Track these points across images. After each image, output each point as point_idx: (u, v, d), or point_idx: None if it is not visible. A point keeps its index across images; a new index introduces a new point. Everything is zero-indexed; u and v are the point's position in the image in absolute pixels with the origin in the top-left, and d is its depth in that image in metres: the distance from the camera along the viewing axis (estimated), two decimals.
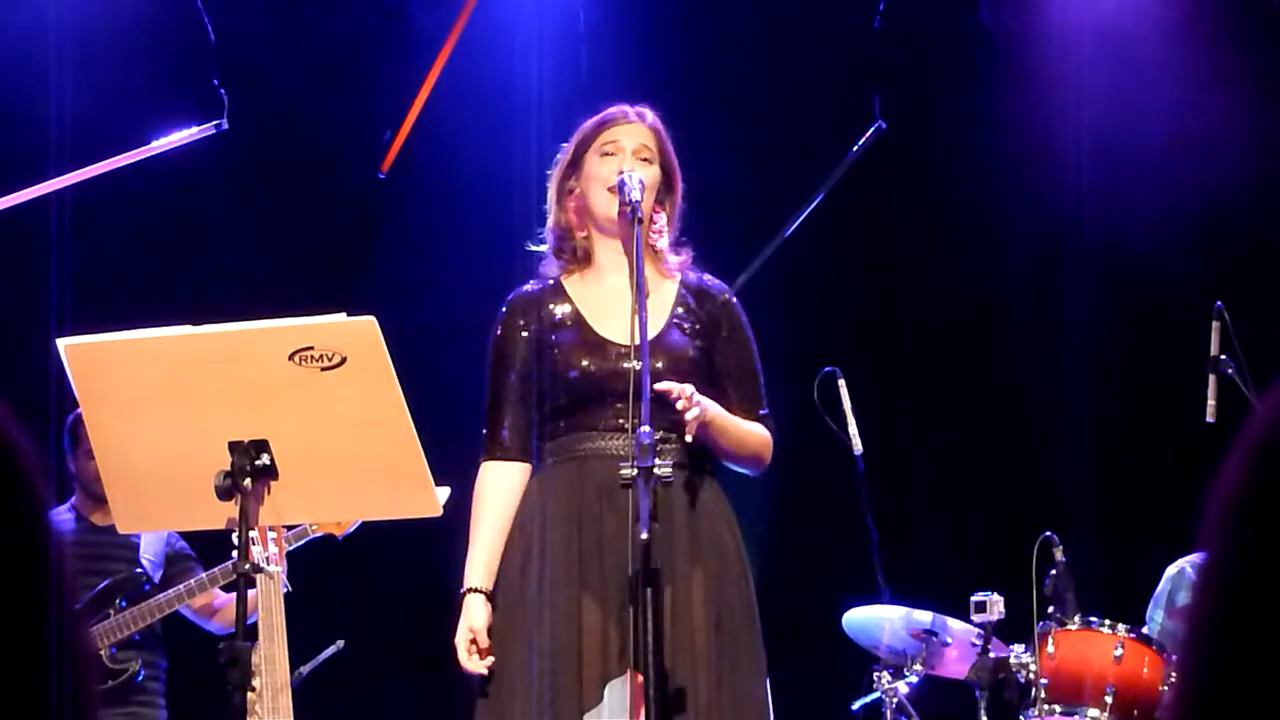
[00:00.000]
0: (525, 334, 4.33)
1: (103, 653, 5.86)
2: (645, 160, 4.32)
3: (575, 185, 4.37)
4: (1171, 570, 6.58)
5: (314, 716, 5.55)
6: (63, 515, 6.06)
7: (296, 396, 3.50)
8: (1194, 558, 6.53)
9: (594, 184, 4.31)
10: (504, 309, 4.39)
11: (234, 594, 5.80)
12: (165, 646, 6.12)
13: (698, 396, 4.07)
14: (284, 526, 5.27)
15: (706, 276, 4.44)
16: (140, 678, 5.96)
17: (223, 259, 7.23)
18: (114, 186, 5.86)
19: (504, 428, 4.31)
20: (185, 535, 6.14)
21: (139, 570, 6.01)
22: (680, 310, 4.34)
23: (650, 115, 4.41)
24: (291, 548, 5.54)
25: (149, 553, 6.06)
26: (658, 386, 4.03)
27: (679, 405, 4.03)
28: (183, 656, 6.14)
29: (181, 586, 5.85)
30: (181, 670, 6.18)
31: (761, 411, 4.35)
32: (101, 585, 5.90)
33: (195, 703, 5.97)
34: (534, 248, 4.47)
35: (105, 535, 5.93)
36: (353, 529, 5.54)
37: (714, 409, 4.15)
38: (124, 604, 5.90)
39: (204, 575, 5.86)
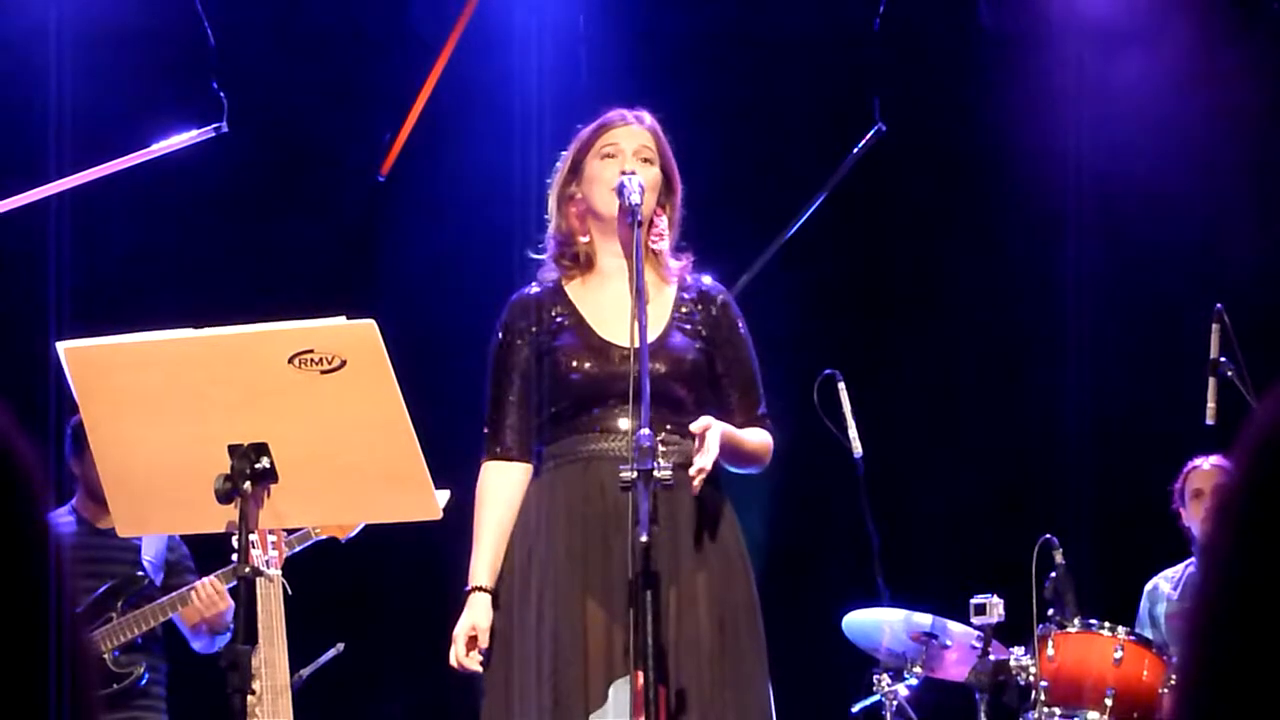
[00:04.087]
0: (526, 336, 4.34)
1: (105, 656, 5.84)
2: (646, 161, 4.33)
3: (576, 190, 4.37)
4: (1147, 587, 6.61)
5: (314, 719, 5.55)
6: (63, 518, 6.04)
7: (296, 400, 3.50)
8: (1167, 572, 6.56)
9: (596, 185, 4.32)
10: (505, 311, 4.39)
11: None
12: (166, 649, 6.11)
13: (707, 453, 4.04)
14: (286, 530, 5.28)
15: (704, 278, 4.44)
16: (144, 681, 5.95)
17: (222, 262, 7.22)
18: (114, 189, 5.86)
19: (505, 428, 4.31)
20: (187, 539, 6.12)
21: (140, 573, 5.99)
22: (681, 313, 4.35)
23: (649, 117, 4.42)
24: (295, 550, 5.53)
25: (150, 555, 6.05)
26: (696, 482, 4.03)
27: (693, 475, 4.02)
28: (182, 659, 6.13)
29: (187, 589, 5.82)
30: (181, 673, 6.17)
31: (760, 411, 4.36)
32: (102, 589, 5.89)
33: (196, 705, 5.97)
34: (535, 255, 4.47)
35: (106, 538, 5.91)
36: (355, 532, 5.53)
37: (717, 448, 4.08)
38: (125, 607, 5.89)
39: (201, 583, 5.82)
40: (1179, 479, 6.51)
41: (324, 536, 5.56)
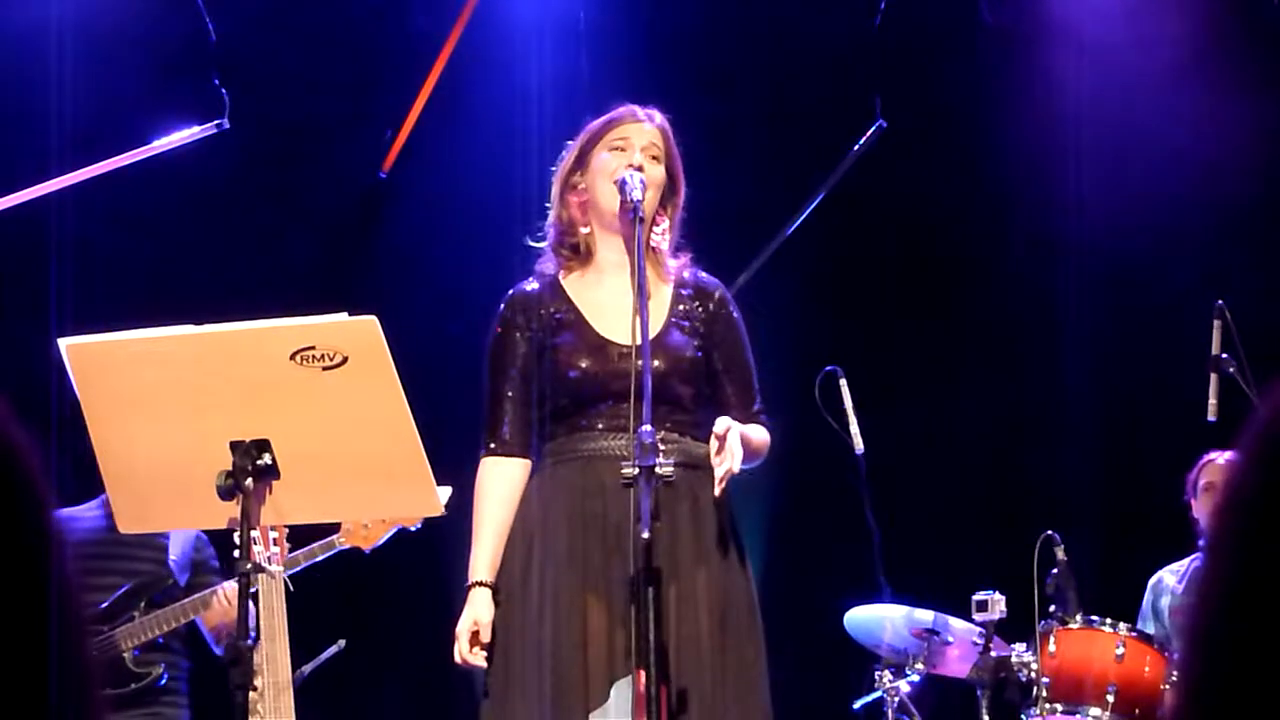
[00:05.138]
0: (525, 333, 4.33)
1: (125, 655, 5.81)
2: (653, 159, 4.33)
3: (580, 180, 4.38)
4: (1151, 580, 6.60)
5: (315, 716, 5.55)
6: (92, 511, 6.00)
7: (298, 396, 3.50)
8: (1172, 566, 6.55)
9: (600, 176, 4.32)
10: (503, 307, 4.39)
11: None
12: (188, 647, 6.08)
13: (733, 456, 4.04)
14: (302, 531, 5.27)
15: (701, 273, 4.45)
16: (163, 681, 5.91)
17: (224, 258, 7.22)
18: (115, 186, 5.86)
19: (504, 424, 4.31)
20: (212, 538, 6.07)
21: (164, 571, 5.96)
22: (679, 310, 4.35)
23: (659, 116, 4.43)
24: (317, 559, 5.52)
25: (175, 554, 6.01)
26: (719, 487, 4.04)
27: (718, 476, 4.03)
28: (200, 656, 6.11)
29: (210, 592, 5.78)
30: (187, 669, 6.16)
31: (756, 406, 4.36)
32: (125, 587, 5.85)
33: (196, 702, 5.96)
34: (533, 243, 4.48)
35: (133, 534, 5.87)
36: (381, 543, 5.51)
37: (740, 449, 4.07)
38: (148, 607, 5.85)
39: (220, 589, 5.77)
40: (1193, 470, 6.48)
41: (347, 546, 5.53)
